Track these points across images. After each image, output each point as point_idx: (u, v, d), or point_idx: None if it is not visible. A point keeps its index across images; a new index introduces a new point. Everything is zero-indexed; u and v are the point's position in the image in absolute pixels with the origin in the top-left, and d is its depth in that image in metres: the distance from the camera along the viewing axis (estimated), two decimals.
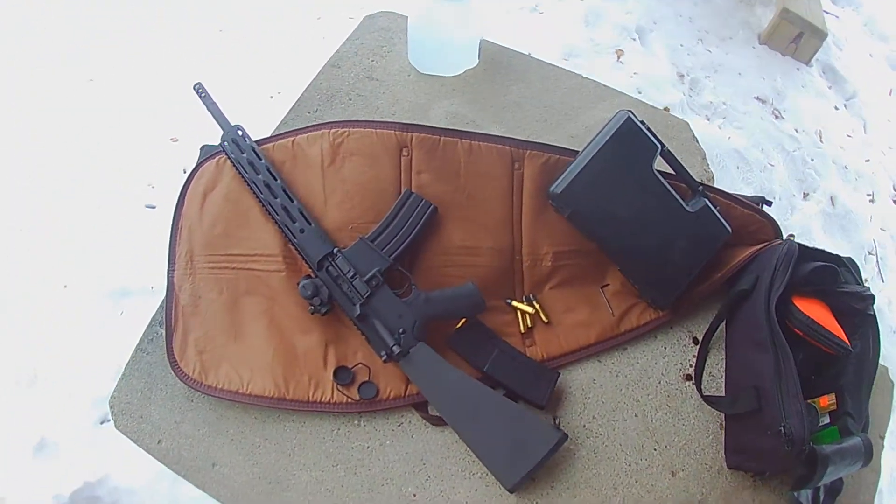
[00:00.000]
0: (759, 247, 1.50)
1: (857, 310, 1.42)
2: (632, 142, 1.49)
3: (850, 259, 1.48)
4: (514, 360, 1.43)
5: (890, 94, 3.36)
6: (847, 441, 1.29)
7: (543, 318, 1.50)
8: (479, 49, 1.83)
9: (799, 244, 1.43)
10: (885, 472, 1.61)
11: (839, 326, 1.38)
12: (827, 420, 1.38)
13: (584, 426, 1.42)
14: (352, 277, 1.40)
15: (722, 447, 1.42)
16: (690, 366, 1.50)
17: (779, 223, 1.59)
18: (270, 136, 1.55)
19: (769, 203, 1.62)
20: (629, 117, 1.49)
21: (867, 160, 3.05)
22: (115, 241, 2.16)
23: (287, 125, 1.68)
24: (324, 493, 1.33)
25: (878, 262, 2.73)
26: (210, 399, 1.37)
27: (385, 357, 1.37)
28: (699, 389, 1.45)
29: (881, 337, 1.44)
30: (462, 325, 1.44)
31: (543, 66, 1.91)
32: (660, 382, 1.48)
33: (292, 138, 1.52)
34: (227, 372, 1.37)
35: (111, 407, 1.39)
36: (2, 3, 2.77)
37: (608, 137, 1.47)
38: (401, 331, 1.38)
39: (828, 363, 1.40)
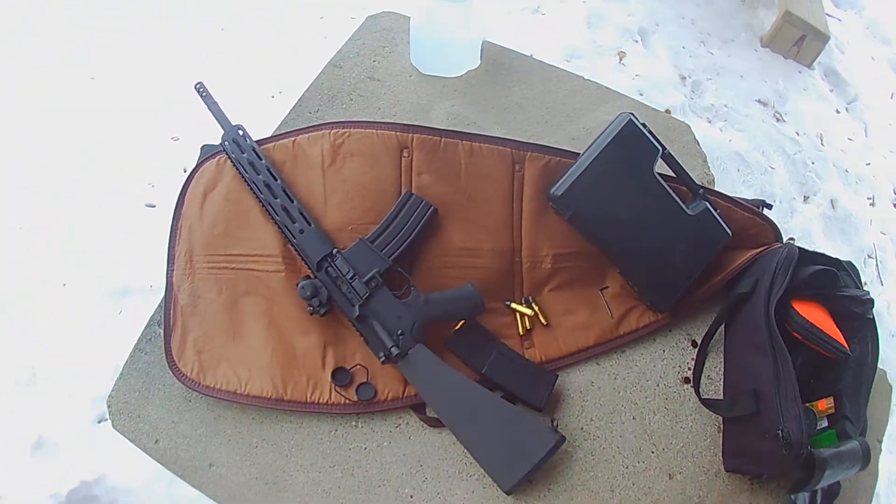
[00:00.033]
0: (759, 250, 1.50)
1: (856, 313, 1.42)
2: (633, 144, 1.49)
3: (849, 263, 1.48)
4: (513, 363, 1.42)
5: (892, 98, 3.36)
6: (845, 445, 1.29)
7: (542, 320, 1.50)
8: (481, 50, 1.83)
9: (799, 247, 1.43)
10: (883, 476, 1.61)
11: (838, 330, 1.38)
12: (825, 423, 1.38)
13: (582, 428, 1.42)
14: (351, 278, 1.40)
15: (719, 450, 1.42)
16: (689, 369, 1.50)
17: (779, 226, 1.58)
18: (271, 136, 1.55)
19: (769, 206, 1.62)
20: (630, 120, 1.49)
21: (868, 164, 3.05)
22: (115, 239, 2.16)
23: (288, 125, 1.68)
24: (321, 494, 1.33)
25: (877, 265, 2.73)
26: (208, 399, 1.37)
27: (383, 358, 1.37)
28: (697, 392, 1.45)
29: (880, 341, 1.44)
30: (461, 326, 1.44)
31: (545, 67, 1.91)
32: (658, 385, 1.48)
33: (293, 138, 1.52)
34: (226, 372, 1.37)
35: (109, 406, 1.39)
36: (2, 4, 2.77)
37: (609, 140, 1.47)
38: (399, 332, 1.38)
39: (827, 367, 1.40)
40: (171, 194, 1.49)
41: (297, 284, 1.38)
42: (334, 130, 1.51)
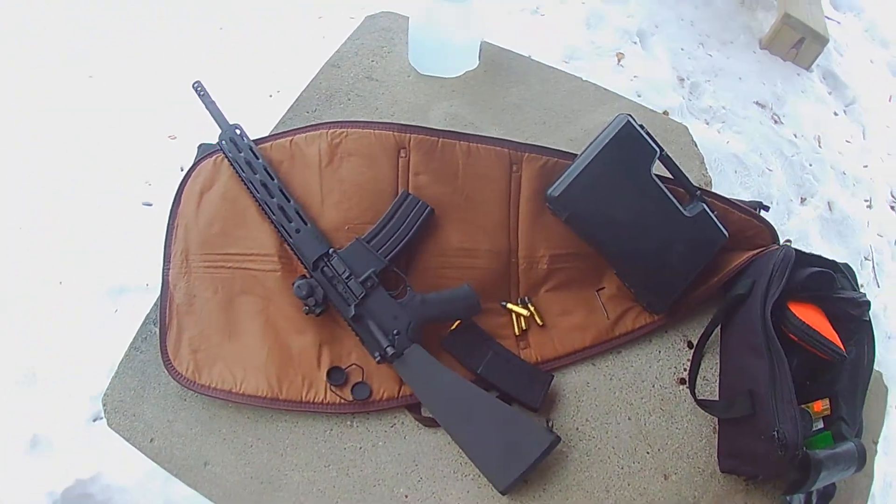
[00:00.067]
0: (755, 252, 1.50)
1: (852, 315, 1.42)
2: (631, 146, 1.49)
3: (846, 265, 1.48)
4: (508, 363, 1.42)
5: (890, 101, 3.36)
6: (841, 446, 1.29)
7: (538, 320, 1.50)
8: (480, 51, 1.83)
9: (796, 249, 1.43)
10: (878, 477, 1.60)
11: (834, 332, 1.38)
12: (821, 425, 1.38)
13: (578, 429, 1.42)
14: (347, 278, 1.40)
15: (715, 451, 1.42)
16: (684, 369, 1.50)
17: (776, 228, 1.59)
18: (269, 136, 1.55)
19: (766, 208, 1.62)
20: (628, 121, 1.49)
21: (865, 166, 3.05)
22: (112, 238, 2.16)
23: (286, 124, 1.67)
24: (315, 493, 1.33)
25: (874, 267, 2.73)
26: (203, 398, 1.37)
27: (379, 358, 1.37)
28: (693, 393, 1.45)
29: (876, 343, 1.44)
30: (456, 326, 1.44)
31: (543, 68, 1.91)
32: (654, 386, 1.48)
33: (290, 138, 1.52)
34: (221, 371, 1.37)
35: (104, 405, 1.39)
36: (2, 4, 2.77)
37: (607, 141, 1.47)
38: (395, 332, 1.38)
39: (823, 368, 1.40)
40: (168, 193, 1.49)
41: (293, 284, 1.38)
42: (332, 130, 1.51)
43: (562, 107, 1.82)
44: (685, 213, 1.50)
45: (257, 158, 1.46)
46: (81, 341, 1.97)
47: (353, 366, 1.41)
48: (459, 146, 1.53)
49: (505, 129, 1.74)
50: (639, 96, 2.78)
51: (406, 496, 1.33)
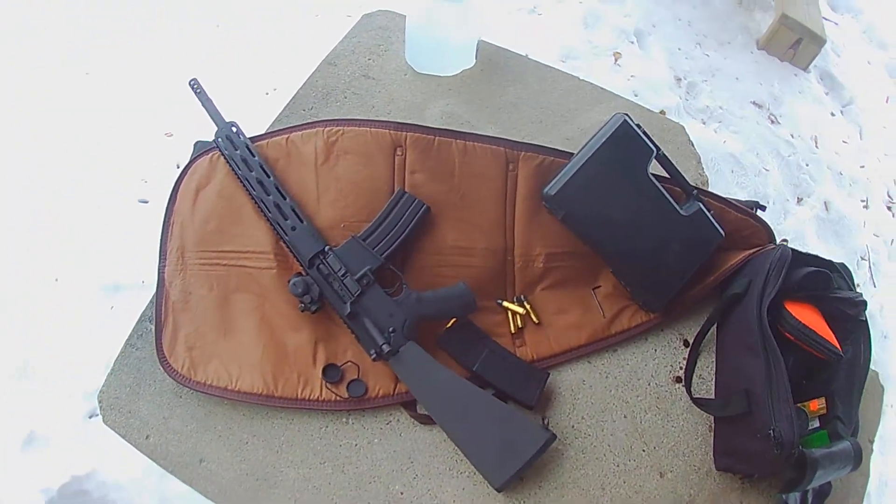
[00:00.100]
0: (752, 251, 1.50)
1: (849, 315, 1.42)
2: (627, 145, 1.49)
3: (842, 264, 1.48)
4: (504, 361, 1.42)
5: (887, 102, 3.36)
6: (836, 445, 1.29)
7: (534, 318, 1.50)
8: (477, 49, 1.83)
9: (792, 249, 1.43)
10: (874, 476, 1.61)
11: (831, 331, 1.38)
12: (817, 424, 1.38)
13: (573, 427, 1.42)
14: (343, 276, 1.40)
15: (711, 449, 1.42)
16: (680, 368, 1.50)
17: (772, 228, 1.59)
18: (265, 133, 1.55)
19: (763, 208, 1.62)
20: (625, 120, 1.49)
21: (862, 166, 3.05)
22: (108, 235, 2.15)
23: (282, 122, 1.67)
24: (311, 490, 1.33)
25: (870, 267, 2.73)
26: (198, 395, 1.37)
27: (374, 355, 1.37)
28: (689, 392, 1.45)
29: (872, 342, 1.44)
30: (452, 324, 1.45)
31: (540, 67, 1.92)
32: (649, 384, 1.48)
33: (287, 136, 1.52)
34: (216, 368, 1.37)
35: (100, 402, 1.39)
36: (2, 4, 2.77)
37: (604, 140, 1.47)
38: (391, 329, 1.38)
39: (819, 368, 1.41)
40: (164, 190, 1.49)
41: (289, 281, 1.38)
42: (328, 128, 1.52)
43: (558, 106, 1.82)
44: (681, 212, 1.50)
45: (253, 156, 1.46)
46: (77, 338, 1.96)
47: (349, 363, 1.40)
48: (456, 145, 1.53)
49: (501, 128, 1.74)
50: (635, 96, 2.78)
51: (401, 493, 1.33)
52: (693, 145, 1.83)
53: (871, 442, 1.52)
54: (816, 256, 1.46)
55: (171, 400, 1.38)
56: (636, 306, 1.54)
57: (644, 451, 1.41)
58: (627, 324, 1.52)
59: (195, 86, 1.50)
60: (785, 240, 2.58)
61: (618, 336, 1.51)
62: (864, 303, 1.43)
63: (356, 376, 1.39)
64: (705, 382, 1.50)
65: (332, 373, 1.39)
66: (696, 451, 1.42)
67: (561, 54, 2.88)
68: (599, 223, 1.49)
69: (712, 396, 1.48)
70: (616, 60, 2.97)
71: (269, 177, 1.45)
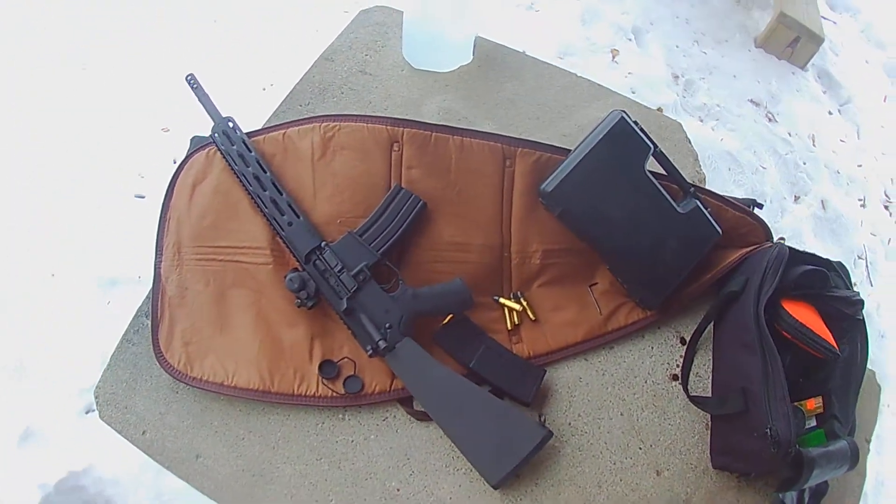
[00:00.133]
0: (749, 249, 1.50)
1: (846, 314, 1.42)
2: (624, 142, 1.49)
3: (839, 263, 1.48)
4: (501, 357, 1.42)
5: (885, 101, 3.36)
6: (833, 444, 1.29)
7: (531, 315, 1.50)
8: (474, 45, 1.83)
9: (789, 247, 1.43)
10: (871, 476, 1.61)
11: (828, 330, 1.38)
12: (814, 423, 1.38)
13: (570, 424, 1.42)
14: (339, 271, 1.39)
15: (707, 447, 1.42)
16: (677, 366, 1.50)
17: (769, 226, 1.58)
18: (261, 129, 1.54)
19: (760, 206, 1.62)
20: (622, 117, 1.49)
21: (859, 165, 3.05)
22: (104, 230, 2.15)
23: (279, 118, 1.67)
24: (307, 486, 1.32)
25: (867, 266, 2.73)
26: (195, 391, 1.37)
27: (371, 352, 1.37)
28: (686, 389, 1.45)
29: (869, 341, 1.44)
30: (449, 321, 1.44)
31: (538, 63, 1.91)
32: (646, 382, 1.48)
33: (283, 131, 1.52)
34: (213, 364, 1.36)
35: (96, 397, 1.38)
36: (2, 4, 2.76)
37: (601, 137, 1.47)
38: (387, 326, 1.37)
39: (816, 367, 1.41)
40: (161, 185, 1.49)
41: (285, 277, 1.38)
42: (325, 124, 1.51)
43: (556, 102, 1.82)
44: (679, 209, 1.50)
45: (250, 151, 1.46)
46: (73, 333, 1.96)
47: (345, 359, 1.40)
48: (453, 140, 1.53)
49: (498, 124, 1.74)
50: (633, 93, 2.77)
51: (398, 490, 1.33)
52: (690, 143, 1.83)
53: (868, 441, 1.52)
54: (813, 255, 1.46)
55: (167, 395, 1.38)
56: (633, 303, 1.54)
57: (641, 448, 1.41)
58: (624, 321, 1.52)
59: (192, 81, 1.50)
60: (782, 238, 2.57)
61: (614, 333, 1.51)
62: (861, 302, 1.43)
63: (352, 372, 1.39)
64: (702, 380, 1.50)
65: (328, 369, 1.38)
66: (692, 449, 1.42)
67: (558, 51, 2.88)
68: (596, 220, 1.49)
69: (709, 394, 1.48)
70: (614, 57, 2.97)
71: (265, 172, 1.44)
